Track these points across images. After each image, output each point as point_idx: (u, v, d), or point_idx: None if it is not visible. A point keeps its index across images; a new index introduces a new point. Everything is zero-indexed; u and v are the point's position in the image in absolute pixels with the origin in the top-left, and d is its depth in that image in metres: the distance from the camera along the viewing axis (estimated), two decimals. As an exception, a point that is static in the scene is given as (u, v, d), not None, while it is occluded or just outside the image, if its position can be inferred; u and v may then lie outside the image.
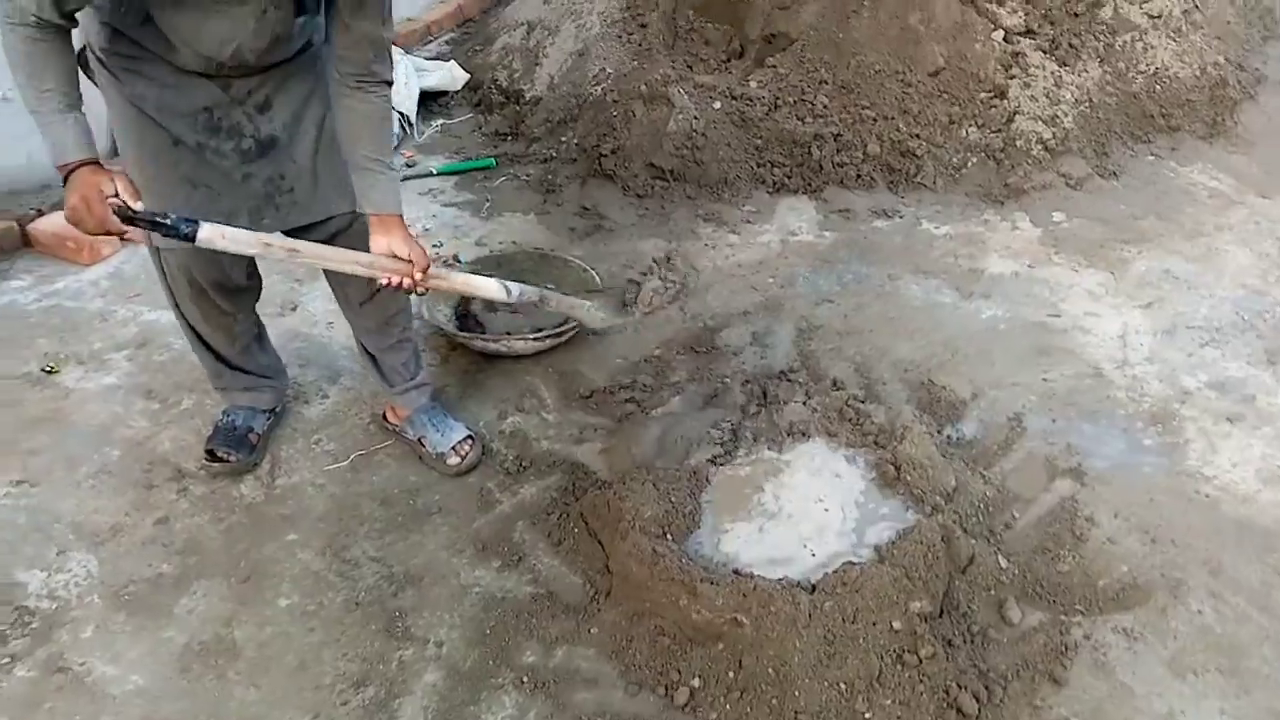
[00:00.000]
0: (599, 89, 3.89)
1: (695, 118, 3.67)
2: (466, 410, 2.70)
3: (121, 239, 1.93)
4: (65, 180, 1.80)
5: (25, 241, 3.46)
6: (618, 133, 3.71)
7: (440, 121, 4.28)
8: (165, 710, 1.96)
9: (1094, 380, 2.81)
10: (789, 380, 2.73)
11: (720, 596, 1.96)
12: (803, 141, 3.76)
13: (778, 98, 3.79)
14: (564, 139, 3.93)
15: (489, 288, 2.28)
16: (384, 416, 2.63)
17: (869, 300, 3.17)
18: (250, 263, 2.26)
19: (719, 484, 2.30)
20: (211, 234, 1.84)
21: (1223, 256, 3.37)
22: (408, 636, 2.10)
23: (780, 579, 2.00)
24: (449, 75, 4.39)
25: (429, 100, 4.35)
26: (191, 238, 1.81)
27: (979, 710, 1.88)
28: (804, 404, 2.50)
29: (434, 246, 3.42)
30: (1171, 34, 4.11)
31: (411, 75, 4.19)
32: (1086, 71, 3.96)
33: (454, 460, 2.48)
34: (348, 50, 1.91)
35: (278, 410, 2.61)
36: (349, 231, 2.18)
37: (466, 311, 3.02)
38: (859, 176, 3.76)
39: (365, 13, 1.86)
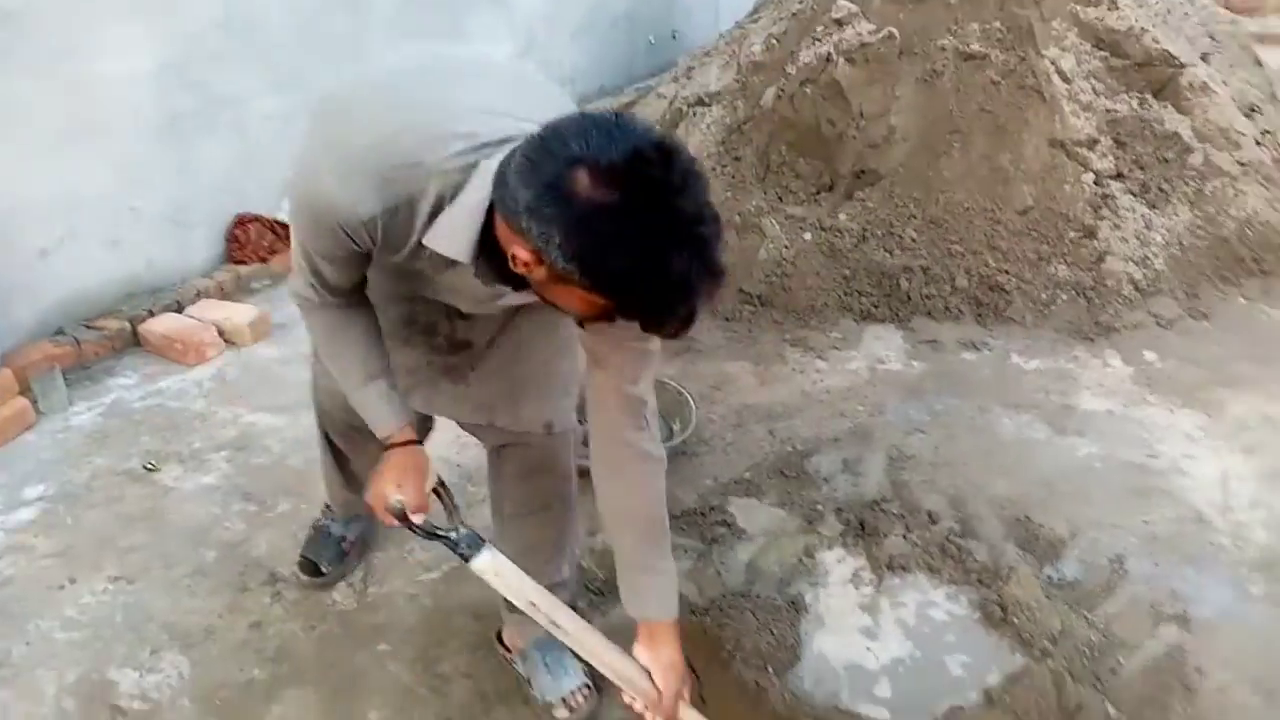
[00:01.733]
0: (690, 216, 4.00)
1: (785, 247, 3.76)
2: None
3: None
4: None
5: (135, 340, 3.63)
6: (708, 258, 3.80)
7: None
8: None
9: (1196, 525, 2.73)
10: (883, 510, 2.71)
11: (823, 734, 1.91)
12: (891, 273, 3.82)
13: (866, 230, 3.87)
14: (654, 262, 4.03)
15: None
16: (498, 636, 2.29)
17: (960, 432, 3.15)
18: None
19: (820, 618, 2.26)
20: (487, 565, 1.68)
21: (1324, 401, 3.30)
22: (500, 758, 2.07)
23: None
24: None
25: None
26: (467, 559, 1.68)
27: None
28: (904, 538, 2.47)
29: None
30: (1262, 180, 4.13)
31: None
32: (1176, 215, 3.99)
33: (562, 714, 2.11)
34: (597, 405, 1.63)
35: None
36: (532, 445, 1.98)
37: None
38: (947, 309, 3.79)
39: (611, 363, 1.57)
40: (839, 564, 2.45)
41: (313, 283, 1.58)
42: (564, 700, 2.11)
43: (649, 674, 1.69)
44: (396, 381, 1.74)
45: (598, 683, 2.18)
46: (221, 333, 3.62)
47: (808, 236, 3.82)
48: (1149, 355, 3.57)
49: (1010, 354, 3.59)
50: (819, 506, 2.76)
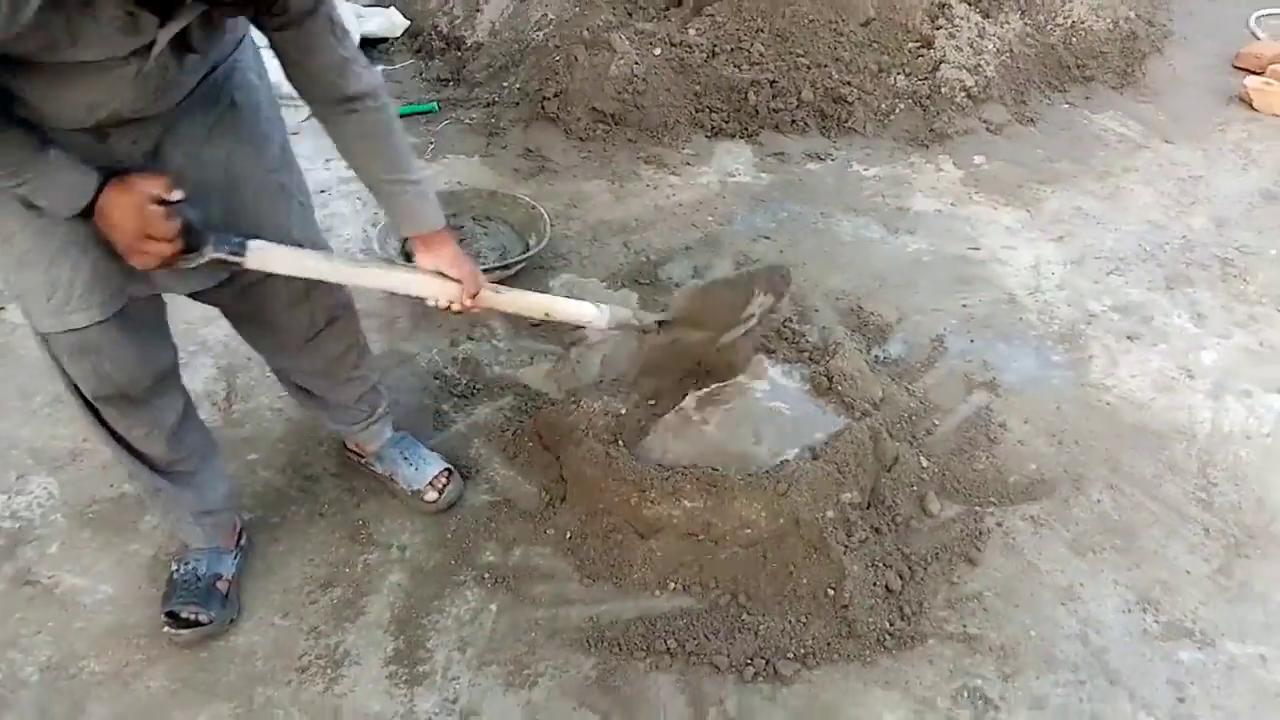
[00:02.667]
0: (541, 34, 3.97)
1: (636, 63, 3.78)
2: (418, 340, 2.81)
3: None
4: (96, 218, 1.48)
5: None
6: (560, 77, 3.80)
7: (381, 68, 4.32)
8: (135, 617, 2.04)
9: (1009, 305, 3.01)
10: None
11: (669, 490, 2.11)
12: (739, 88, 3.90)
13: (715, 45, 3.92)
14: (506, 84, 4.01)
15: (574, 310, 1.97)
16: (344, 446, 2.37)
17: (803, 236, 3.34)
18: (169, 334, 1.84)
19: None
20: (263, 249, 1.60)
21: (1129, 195, 3.60)
22: (371, 542, 2.21)
23: (723, 472, 2.16)
24: (388, 22, 4.43)
25: (368, 47, 4.40)
26: (241, 256, 1.59)
27: (902, 586, 2.07)
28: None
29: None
30: (1086, -12, 4.33)
31: (350, 22, 4.22)
32: (1008, 23, 4.17)
33: (432, 496, 2.23)
34: (311, 87, 1.63)
35: (243, 546, 2.15)
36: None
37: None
38: (793, 122, 3.91)
39: (316, 49, 1.58)
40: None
41: None
42: (430, 484, 2.25)
43: (441, 274, 1.80)
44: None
45: (457, 468, 2.34)
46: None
47: (658, 52, 3.85)
48: (978, 159, 3.80)
49: (851, 162, 3.77)
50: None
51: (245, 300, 1.84)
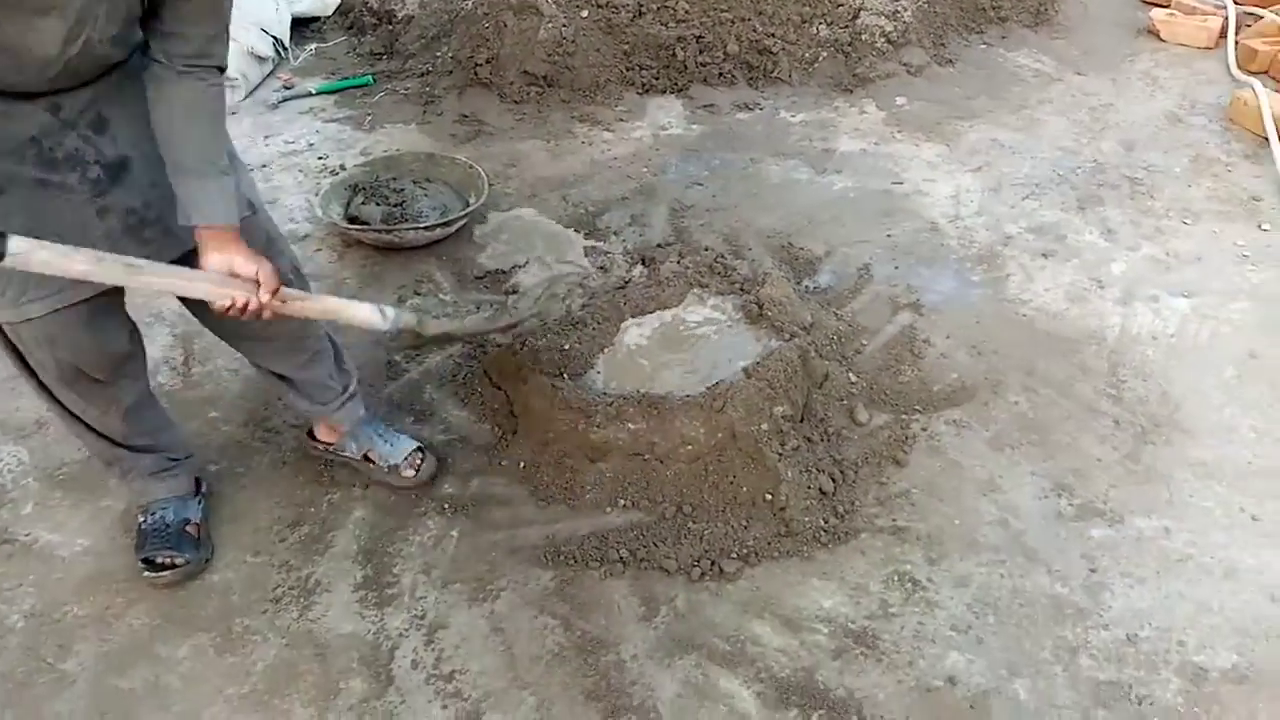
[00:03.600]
0: (469, 3, 4.05)
1: (564, 25, 3.88)
2: (365, 297, 2.90)
3: None
4: None
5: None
6: (491, 43, 3.89)
7: (314, 45, 4.38)
8: (112, 564, 2.14)
9: (930, 233, 3.17)
10: (666, 248, 3.02)
11: (613, 413, 2.24)
12: (667, 45, 4.01)
13: (641, 4, 4.03)
14: (439, 53, 4.09)
15: (361, 314, 1.89)
16: (310, 435, 2.35)
17: (733, 182, 3.47)
18: (128, 320, 1.88)
19: (605, 331, 2.57)
20: (25, 248, 1.43)
21: (1043, 125, 3.78)
22: (334, 483, 2.32)
23: (663, 394, 2.29)
24: (320, 1, 4.47)
25: (301, 26, 4.44)
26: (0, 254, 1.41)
27: (835, 489, 2.22)
28: (678, 263, 2.78)
29: (319, 159, 3.57)
30: (996, -69, 4.49)
31: (282, 1, 4.27)
32: (921, -32, 4.31)
33: (409, 472, 2.26)
34: (181, 25, 1.55)
35: (205, 493, 2.23)
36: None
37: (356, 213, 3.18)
38: (721, 75, 4.04)
39: (209, 7, 1.55)
40: (625, 295, 2.75)
41: None
42: (406, 461, 2.27)
43: (233, 274, 1.65)
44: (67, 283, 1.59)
45: (431, 448, 2.41)
46: None
47: (585, 14, 3.95)
48: (900, 100, 3.95)
49: (779, 110, 3.90)
50: (610, 254, 3.04)
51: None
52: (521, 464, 2.33)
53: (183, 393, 2.59)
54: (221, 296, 1.65)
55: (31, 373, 1.81)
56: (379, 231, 3.03)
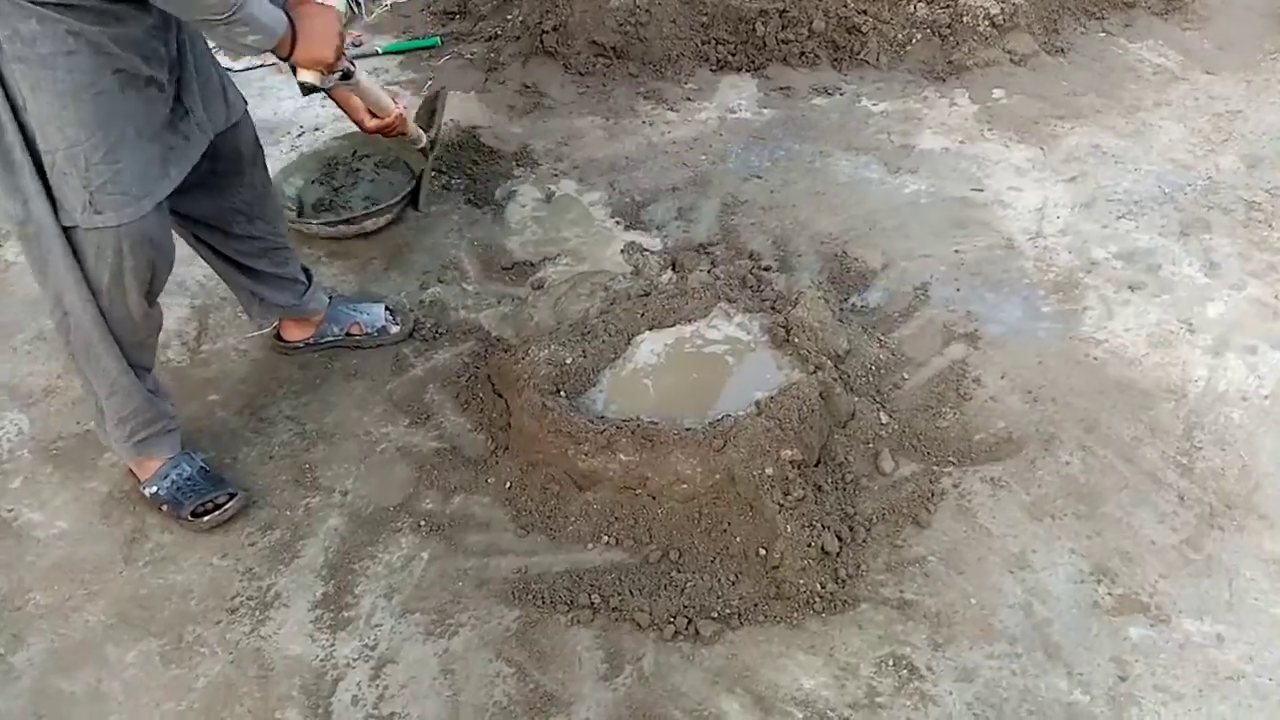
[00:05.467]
0: (541, -37, 3.84)
1: (637, -7, 3.64)
2: (391, 282, 2.79)
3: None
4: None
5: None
6: (560, 9, 3.69)
7: (389, 1, 4.25)
8: (84, 551, 2.10)
9: (1004, 251, 2.86)
10: (705, 253, 2.80)
11: (604, 442, 2.07)
12: (748, 18, 3.73)
13: (722, -28, 3.74)
14: (509, 16, 3.90)
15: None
16: (279, 338, 2.52)
17: (796, 176, 3.21)
18: None
19: (616, 345, 2.38)
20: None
21: (1155, 132, 3.36)
22: (315, 486, 2.23)
23: (665, 425, 2.10)
24: (397, -48, 4.33)
25: (377, -21, 4.31)
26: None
27: (840, 548, 2.00)
28: (708, 272, 2.57)
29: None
30: (1130, -95, 4.00)
31: (357, -48, 4.14)
32: (1040, -56, 3.89)
33: (396, 329, 2.53)
34: None
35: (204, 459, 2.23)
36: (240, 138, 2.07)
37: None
38: (803, 54, 3.74)
39: None
40: (648, 304, 2.55)
41: None
42: (385, 321, 2.53)
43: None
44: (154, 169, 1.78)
45: (410, 415, 2.35)
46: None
47: (661, -19, 3.69)
48: (997, 92, 3.59)
49: (861, 97, 3.59)
50: (646, 253, 2.84)
51: (224, 149, 2.01)
52: (508, 484, 2.18)
53: (188, 370, 2.53)
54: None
55: (107, 289, 1.84)
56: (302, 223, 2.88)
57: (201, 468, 2.17)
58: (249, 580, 2.04)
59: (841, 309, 2.59)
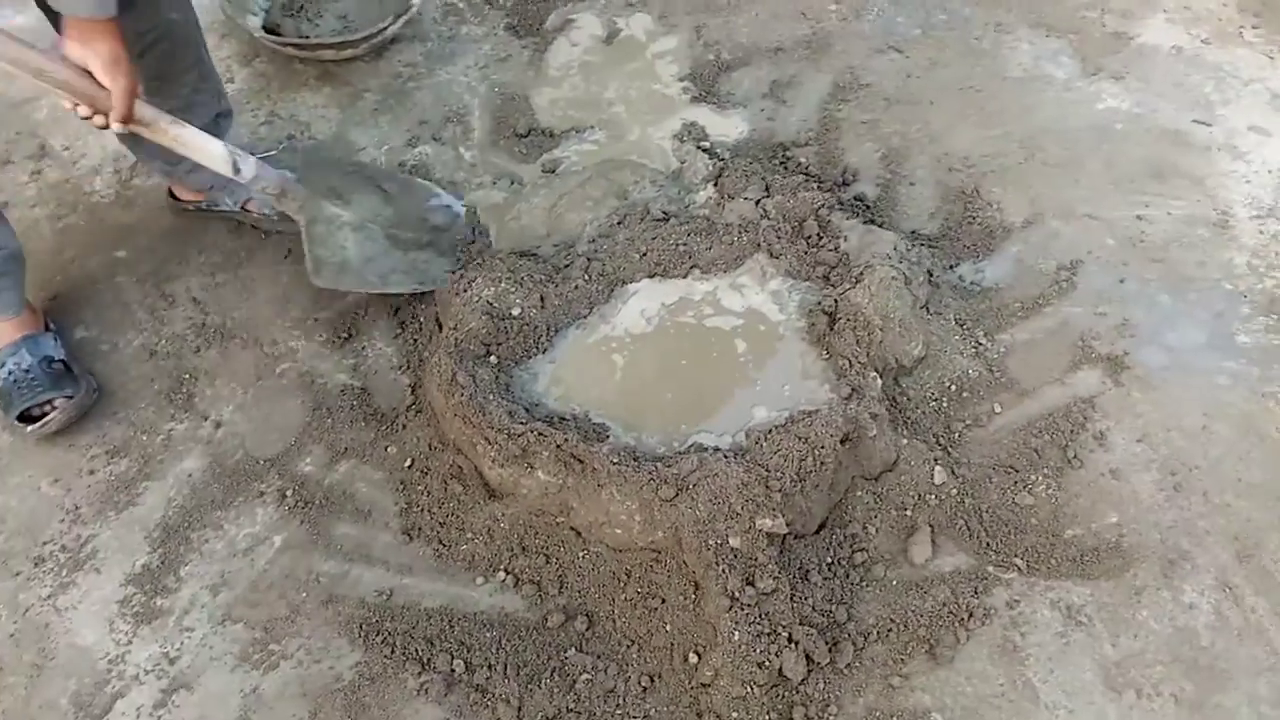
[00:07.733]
0: None
1: None
2: (375, 130, 2.20)
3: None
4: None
5: None
6: None
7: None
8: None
9: (1212, 231, 1.97)
10: (782, 160, 2.06)
11: (515, 450, 1.50)
12: None
13: None
14: None
15: (211, 155, 1.62)
16: (171, 194, 2.04)
17: (951, 57, 2.33)
18: None
19: (594, 293, 1.75)
20: None
21: None
22: (189, 407, 1.77)
23: (601, 446, 1.50)
24: None
25: None
26: None
27: (807, 674, 1.40)
28: (757, 204, 1.84)
29: None
30: None
31: None
32: None
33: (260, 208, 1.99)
34: None
35: (53, 329, 1.84)
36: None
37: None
38: None
39: None
40: (660, 233, 1.87)
41: None
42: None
43: (88, 74, 1.43)
44: None
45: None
46: None
47: None
48: (1282, -31, 2.49)
49: (1080, -52, 2.57)
50: (705, 146, 2.11)
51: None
52: (409, 461, 1.66)
53: (107, 209, 2.11)
54: (72, 97, 1.44)
55: None
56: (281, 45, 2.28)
57: (46, 357, 1.75)
58: (70, 523, 1.63)
59: (937, 283, 1.83)
